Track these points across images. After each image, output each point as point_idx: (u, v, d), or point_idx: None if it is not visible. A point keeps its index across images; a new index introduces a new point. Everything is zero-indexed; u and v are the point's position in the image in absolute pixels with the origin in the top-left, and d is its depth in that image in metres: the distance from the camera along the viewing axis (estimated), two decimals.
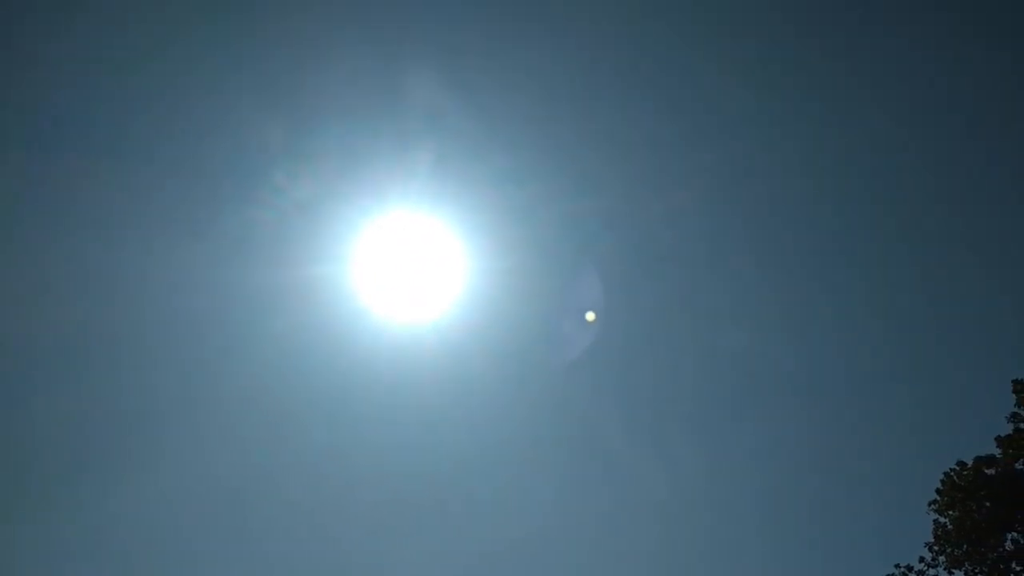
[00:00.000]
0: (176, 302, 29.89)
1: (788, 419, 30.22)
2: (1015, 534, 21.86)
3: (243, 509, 31.46)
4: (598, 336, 32.20)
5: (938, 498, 22.62)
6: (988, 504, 22.09)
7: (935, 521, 22.64)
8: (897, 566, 22.69)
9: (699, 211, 32.09)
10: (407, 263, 30.16)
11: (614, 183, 31.00)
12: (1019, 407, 22.27)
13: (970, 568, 22.07)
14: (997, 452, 22.35)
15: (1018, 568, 21.66)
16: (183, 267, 29.65)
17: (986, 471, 22.33)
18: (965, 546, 22.13)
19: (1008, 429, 22.30)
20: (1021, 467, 22.08)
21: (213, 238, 29.59)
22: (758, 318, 31.46)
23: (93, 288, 29.82)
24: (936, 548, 22.50)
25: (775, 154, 31.15)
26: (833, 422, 29.92)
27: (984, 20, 29.00)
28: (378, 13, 28.74)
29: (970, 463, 22.52)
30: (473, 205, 30.22)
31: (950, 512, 22.46)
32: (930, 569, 22.41)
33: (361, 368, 30.41)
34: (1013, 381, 22.37)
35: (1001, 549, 21.95)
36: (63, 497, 30.89)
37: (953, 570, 22.13)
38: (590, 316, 30.02)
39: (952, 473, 22.64)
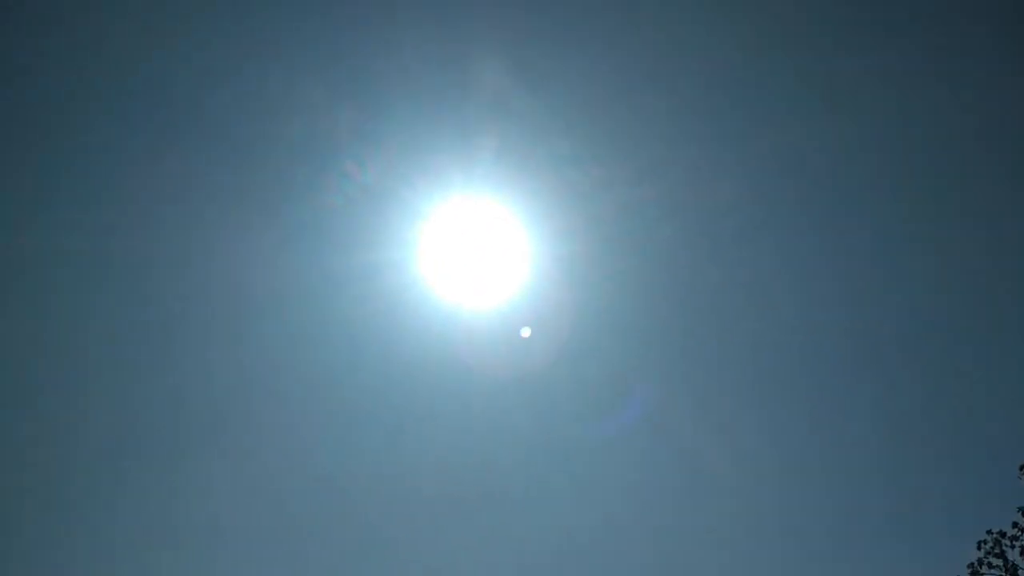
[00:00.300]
0: (243, 286, 30.26)
1: (859, 392, 29.75)
2: None
3: (298, 498, 31.29)
4: (661, 321, 32.12)
5: None
6: None
7: None
8: (989, 532, 22.11)
9: (760, 198, 32.08)
10: (471, 248, 30.39)
11: (676, 169, 31.09)
12: None
13: None
14: None
15: None
16: (251, 251, 30.05)
17: None
18: None
19: None
20: None
21: (282, 223, 30.01)
22: (823, 300, 31.19)
23: (159, 273, 30.28)
24: None
25: (837, 141, 31.12)
26: (912, 391, 29.36)
27: None
28: None
29: None
30: (536, 191, 30.45)
31: None
32: None
33: (426, 353, 30.47)
34: None
35: None
36: (128, 487, 30.99)
37: None
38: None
39: None
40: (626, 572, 28.78)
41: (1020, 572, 21.55)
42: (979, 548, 22.04)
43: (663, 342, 31.61)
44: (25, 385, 29.19)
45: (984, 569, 21.79)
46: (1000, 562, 21.71)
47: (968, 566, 21.92)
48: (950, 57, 30.10)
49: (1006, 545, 21.84)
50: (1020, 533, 21.79)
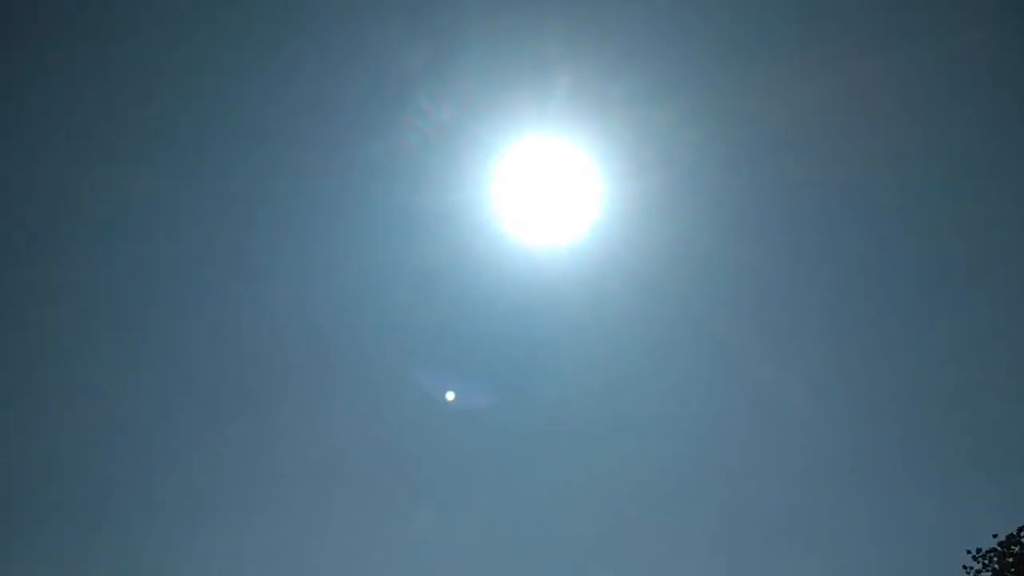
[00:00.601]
0: (318, 224, 30.56)
1: (938, 325, 29.72)
2: None
3: (371, 435, 31.69)
4: (734, 256, 32.16)
5: None
6: None
7: None
8: None
9: (836, 135, 31.82)
10: (545, 186, 30.44)
11: (749, 105, 30.86)
12: None
13: None
14: None
15: None
16: (328, 191, 30.29)
17: None
18: None
19: None
20: None
21: (357, 161, 30.17)
22: (894, 237, 31.07)
23: (234, 214, 30.60)
24: None
25: (915, 74, 30.69)
26: (988, 325, 29.24)
27: None
28: None
29: None
30: (610, 127, 30.39)
31: None
32: None
33: (499, 291, 30.70)
34: None
35: None
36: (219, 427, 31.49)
37: None
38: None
39: None
40: (702, 504, 29.21)
41: None
42: None
43: (736, 276, 31.64)
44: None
45: None
46: None
47: None
48: None
49: None
50: None
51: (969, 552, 21.13)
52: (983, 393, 28.74)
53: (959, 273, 31.10)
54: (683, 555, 27.85)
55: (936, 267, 31.53)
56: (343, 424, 29.87)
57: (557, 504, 28.95)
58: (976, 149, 30.68)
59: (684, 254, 31.20)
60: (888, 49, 30.05)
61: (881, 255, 31.80)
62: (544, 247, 31.04)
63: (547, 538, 28.92)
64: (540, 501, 29.04)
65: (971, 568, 21.18)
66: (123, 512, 29.54)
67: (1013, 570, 20.63)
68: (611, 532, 29.06)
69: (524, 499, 29.15)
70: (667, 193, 30.80)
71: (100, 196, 29.64)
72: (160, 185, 28.37)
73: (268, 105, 29.00)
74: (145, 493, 29.78)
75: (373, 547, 28.51)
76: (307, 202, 29.86)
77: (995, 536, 21.34)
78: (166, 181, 28.66)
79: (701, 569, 27.57)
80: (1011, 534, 21.12)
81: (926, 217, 31.82)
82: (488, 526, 29.60)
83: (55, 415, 29.80)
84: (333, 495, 29.20)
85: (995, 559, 21.01)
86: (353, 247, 30.60)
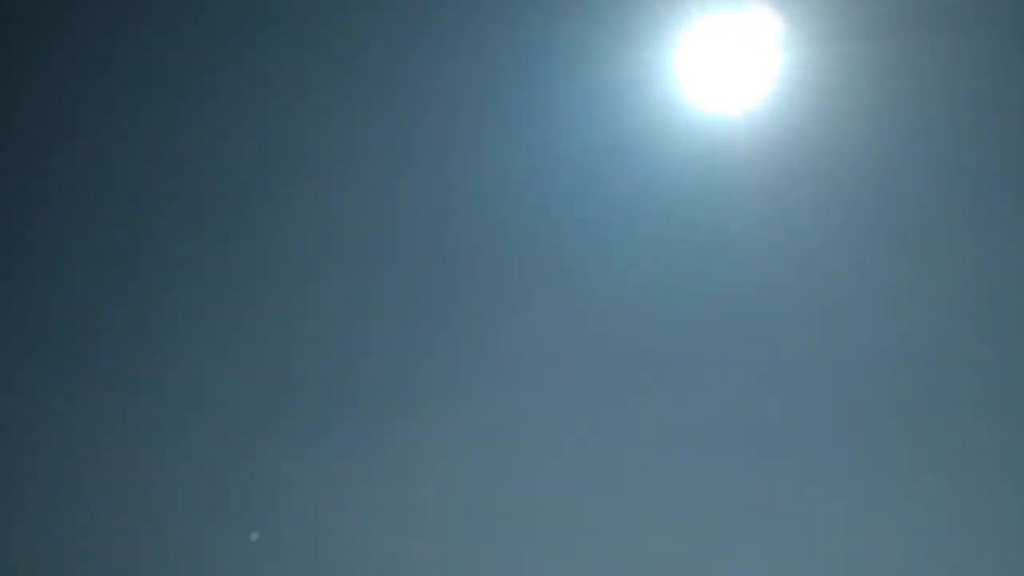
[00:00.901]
0: (483, 99, 30.16)
1: None
2: None
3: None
4: (929, 133, 29.75)
5: None
6: None
7: None
8: None
9: None
10: (723, 51, 28.91)
11: None
12: None
13: None
14: None
15: None
16: (493, 70, 29.76)
17: None
18: None
19: None
20: None
21: (522, 37, 29.38)
22: None
23: (415, 101, 30.47)
24: None
25: None
26: None
27: None
28: None
29: None
30: None
31: None
32: None
33: (678, 168, 29.69)
34: None
35: None
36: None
37: None
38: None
39: None
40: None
41: None
42: None
43: (931, 157, 29.26)
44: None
45: None
46: None
47: None
48: None
49: None
50: None
51: None
52: None
53: None
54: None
55: None
56: (524, 312, 30.00)
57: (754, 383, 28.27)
58: None
59: (874, 127, 29.06)
60: None
61: None
62: (718, 114, 29.68)
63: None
64: (727, 381, 28.48)
65: None
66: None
67: None
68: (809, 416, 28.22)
69: (709, 380, 28.65)
70: (860, 60, 28.58)
71: None
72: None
73: None
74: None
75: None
76: (470, 83, 29.46)
77: None
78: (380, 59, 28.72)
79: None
80: None
81: None
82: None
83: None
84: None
85: None
86: (525, 128, 30.15)
